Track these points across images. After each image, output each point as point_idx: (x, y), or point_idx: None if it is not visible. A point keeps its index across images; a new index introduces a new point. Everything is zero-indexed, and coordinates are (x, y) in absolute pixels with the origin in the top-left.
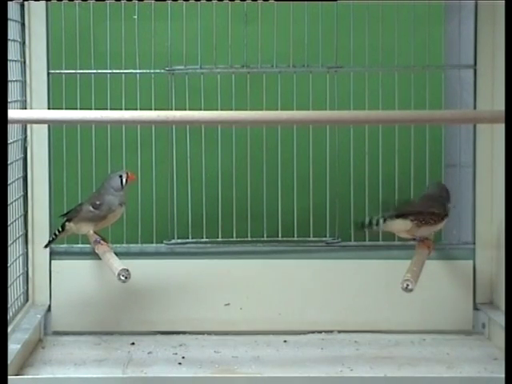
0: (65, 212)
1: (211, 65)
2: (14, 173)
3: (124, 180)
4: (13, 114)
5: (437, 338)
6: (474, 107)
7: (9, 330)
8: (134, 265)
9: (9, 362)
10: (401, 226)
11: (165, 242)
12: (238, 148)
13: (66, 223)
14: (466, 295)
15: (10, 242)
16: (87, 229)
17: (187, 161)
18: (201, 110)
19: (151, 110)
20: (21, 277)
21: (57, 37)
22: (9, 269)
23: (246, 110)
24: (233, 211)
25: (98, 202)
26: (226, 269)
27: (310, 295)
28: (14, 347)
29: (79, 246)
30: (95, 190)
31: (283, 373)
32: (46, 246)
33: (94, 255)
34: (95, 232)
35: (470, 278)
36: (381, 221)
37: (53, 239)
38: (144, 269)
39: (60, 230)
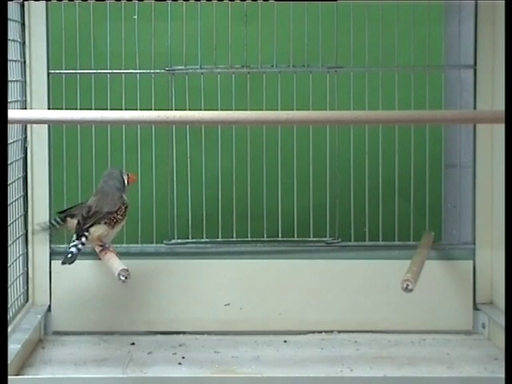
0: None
1: (211, 65)
2: (14, 173)
3: (126, 181)
4: (13, 114)
5: (437, 338)
6: (474, 107)
7: (9, 330)
8: (134, 265)
9: (9, 362)
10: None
11: (165, 242)
12: (237, 148)
13: (68, 218)
14: (466, 295)
15: (10, 242)
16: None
17: (187, 161)
18: (201, 110)
19: (151, 110)
20: (21, 277)
21: (57, 37)
22: (9, 269)
23: (246, 109)
24: (233, 211)
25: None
26: (226, 269)
27: (309, 295)
28: (13, 347)
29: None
30: (99, 191)
31: (283, 373)
32: (34, 233)
33: (93, 255)
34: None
35: (470, 278)
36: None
37: (47, 228)
38: (144, 269)
39: (59, 222)
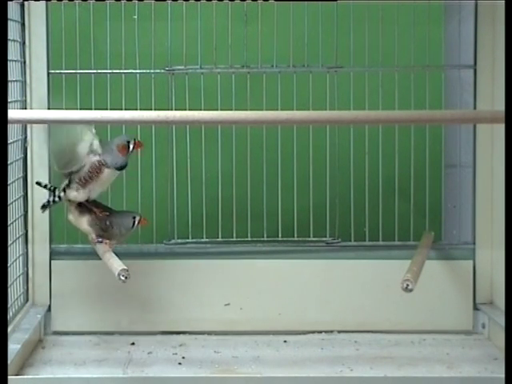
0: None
1: (211, 65)
2: (14, 173)
3: (136, 222)
4: (13, 113)
5: (437, 338)
6: (474, 107)
7: (9, 330)
8: (134, 265)
9: (9, 362)
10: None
11: (165, 242)
12: (237, 148)
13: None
14: (466, 295)
15: (10, 242)
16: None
17: (187, 161)
18: (201, 110)
19: (151, 110)
20: (21, 277)
21: (57, 37)
22: (9, 269)
23: (246, 109)
24: (233, 211)
25: (107, 223)
26: (226, 269)
27: (310, 295)
28: (13, 347)
29: (79, 246)
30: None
31: (283, 373)
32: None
33: (93, 255)
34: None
35: (470, 278)
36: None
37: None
38: (144, 269)
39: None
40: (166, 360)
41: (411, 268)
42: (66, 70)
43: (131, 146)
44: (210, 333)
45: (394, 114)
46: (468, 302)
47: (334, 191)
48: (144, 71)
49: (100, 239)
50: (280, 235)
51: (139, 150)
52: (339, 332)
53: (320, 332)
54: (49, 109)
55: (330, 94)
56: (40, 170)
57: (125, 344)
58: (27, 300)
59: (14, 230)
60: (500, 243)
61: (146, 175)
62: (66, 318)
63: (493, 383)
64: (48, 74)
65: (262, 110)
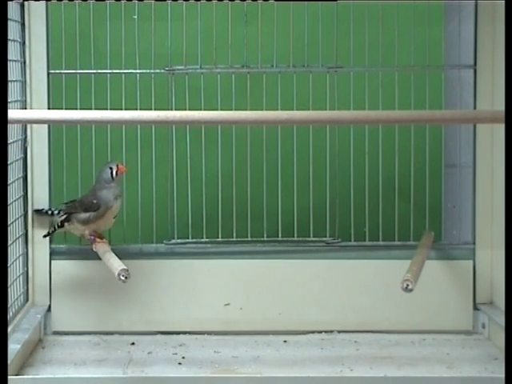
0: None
1: (211, 65)
2: (14, 173)
3: (114, 172)
4: (13, 113)
5: (437, 338)
6: (474, 107)
7: (9, 330)
8: (133, 265)
9: (9, 362)
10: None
11: (165, 242)
12: (237, 148)
13: (66, 224)
14: (466, 295)
15: (10, 242)
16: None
17: (187, 161)
18: (201, 110)
19: (151, 110)
20: (21, 277)
21: (57, 37)
22: (9, 269)
23: (246, 109)
24: (233, 211)
25: (94, 201)
26: (226, 269)
27: (310, 295)
28: (13, 347)
29: (79, 246)
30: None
31: (283, 373)
32: (45, 236)
33: (94, 255)
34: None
35: (470, 278)
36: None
37: (53, 231)
38: (144, 269)
39: (59, 225)
40: (166, 360)
41: (411, 268)
42: (66, 70)
43: None
44: (209, 333)
45: (394, 114)
46: (468, 302)
47: (333, 191)
48: (144, 71)
49: (93, 237)
50: (280, 235)
51: None
52: (339, 332)
53: (320, 332)
54: (49, 109)
55: (330, 94)
56: (40, 170)
57: (125, 344)
58: (27, 300)
59: (14, 230)
60: (500, 243)
61: (146, 175)
62: (66, 318)
63: (493, 383)
64: (48, 73)
65: (262, 109)
